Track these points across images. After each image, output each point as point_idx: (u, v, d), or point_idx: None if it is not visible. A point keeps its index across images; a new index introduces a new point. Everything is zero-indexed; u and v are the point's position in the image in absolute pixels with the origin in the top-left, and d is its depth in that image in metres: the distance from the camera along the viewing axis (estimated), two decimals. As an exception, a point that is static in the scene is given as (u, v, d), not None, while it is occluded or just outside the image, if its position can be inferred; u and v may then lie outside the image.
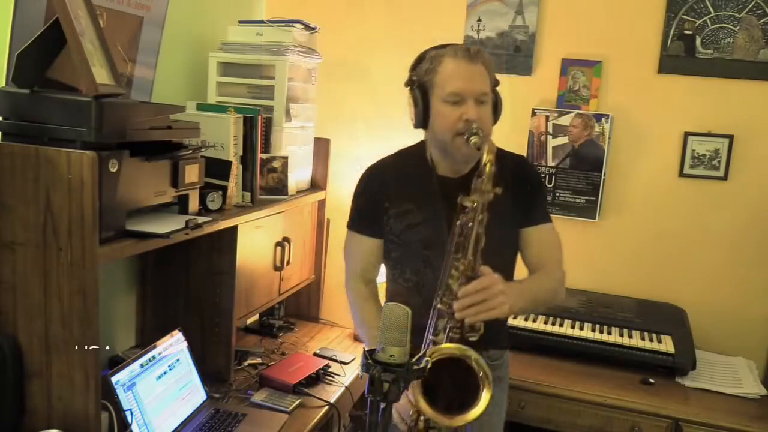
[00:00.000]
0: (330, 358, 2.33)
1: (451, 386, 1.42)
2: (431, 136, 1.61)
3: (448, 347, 1.41)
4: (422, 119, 1.58)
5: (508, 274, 1.62)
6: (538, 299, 1.60)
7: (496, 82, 1.59)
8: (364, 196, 1.69)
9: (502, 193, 1.50)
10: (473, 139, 1.44)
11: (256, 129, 2.09)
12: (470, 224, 1.42)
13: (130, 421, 1.58)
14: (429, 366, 1.38)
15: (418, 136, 2.68)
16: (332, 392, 2.11)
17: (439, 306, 1.47)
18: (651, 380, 2.17)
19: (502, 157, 1.62)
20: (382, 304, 1.73)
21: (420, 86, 1.58)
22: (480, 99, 1.51)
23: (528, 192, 1.63)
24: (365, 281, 1.73)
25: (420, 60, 1.60)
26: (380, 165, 1.73)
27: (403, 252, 1.64)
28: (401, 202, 1.63)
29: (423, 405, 1.39)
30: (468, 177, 1.53)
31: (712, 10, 2.33)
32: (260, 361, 2.26)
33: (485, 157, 1.42)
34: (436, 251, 1.54)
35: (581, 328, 2.30)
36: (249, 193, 2.10)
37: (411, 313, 1.11)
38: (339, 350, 2.43)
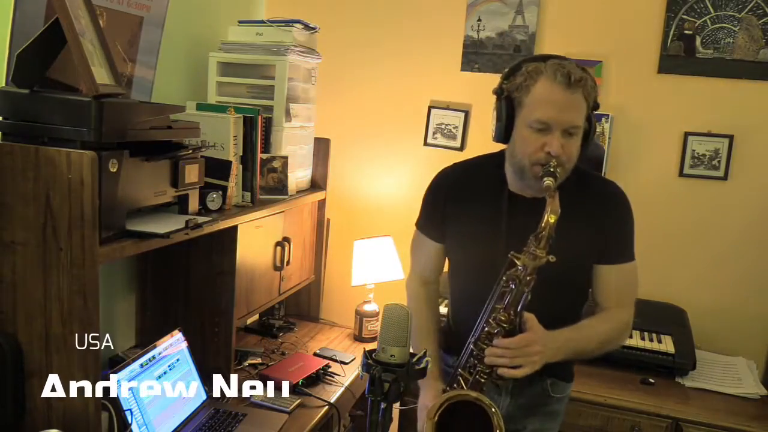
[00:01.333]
0: (330, 358, 2.33)
1: (468, 424, 1.40)
2: (509, 155, 1.50)
3: (473, 394, 1.39)
4: (502, 136, 1.47)
5: (568, 308, 1.55)
6: (585, 350, 1.50)
7: (596, 106, 1.45)
8: (430, 198, 1.64)
9: (580, 223, 1.43)
10: (546, 181, 1.34)
11: (256, 129, 2.09)
12: (517, 282, 1.37)
13: (130, 421, 1.57)
14: (450, 405, 1.37)
15: (417, 136, 2.69)
16: (332, 392, 2.11)
17: (472, 347, 1.44)
18: (651, 380, 2.17)
19: (589, 181, 1.55)
20: (441, 308, 1.73)
21: (508, 100, 1.45)
22: (569, 131, 1.39)
23: (609, 225, 1.50)
24: (424, 282, 1.70)
25: (515, 70, 1.45)
26: (452, 169, 1.64)
27: (459, 259, 1.62)
28: (465, 211, 1.57)
29: None
30: (541, 200, 1.43)
31: (712, 10, 2.33)
32: (260, 361, 2.26)
33: (546, 218, 1.34)
34: (489, 267, 1.47)
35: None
36: (249, 193, 2.10)
37: (408, 314, 1.11)
38: (339, 350, 2.43)
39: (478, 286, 1.49)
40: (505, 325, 1.39)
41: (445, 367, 1.60)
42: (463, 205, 1.57)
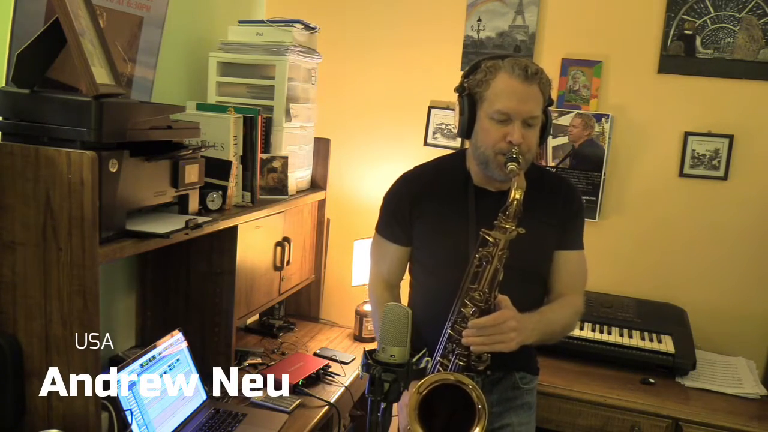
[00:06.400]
0: (330, 358, 2.33)
1: (450, 413, 1.41)
2: (473, 148, 1.58)
3: (448, 376, 1.39)
4: (465, 130, 1.55)
5: (535, 297, 1.62)
6: (552, 333, 1.56)
7: (550, 102, 1.55)
8: (393, 202, 1.68)
9: (542, 213, 1.50)
10: (510, 166, 1.42)
11: (256, 129, 2.09)
12: (490, 259, 1.41)
13: (130, 421, 1.57)
14: (429, 390, 1.36)
15: (417, 136, 2.69)
16: (332, 392, 2.11)
17: (449, 331, 1.46)
18: (651, 380, 2.17)
19: (546, 176, 1.65)
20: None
21: (469, 96, 1.54)
22: (528, 122, 1.48)
23: (567, 216, 1.62)
24: (388, 287, 1.72)
25: (475, 68, 1.55)
26: (414, 172, 1.70)
27: (427, 258, 1.63)
28: (431, 209, 1.61)
29: (416, 429, 1.37)
30: (506, 193, 1.49)
31: (712, 10, 2.33)
32: (260, 361, 2.26)
33: (513, 194, 1.40)
34: (459, 263, 1.51)
35: (581, 328, 2.30)
36: (249, 193, 2.10)
37: (412, 314, 1.11)
38: (339, 350, 2.43)
39: (446, 282, 1.52)
40: (480, 304, 1.41)
41: None
42: (430, 204, 1.61)
